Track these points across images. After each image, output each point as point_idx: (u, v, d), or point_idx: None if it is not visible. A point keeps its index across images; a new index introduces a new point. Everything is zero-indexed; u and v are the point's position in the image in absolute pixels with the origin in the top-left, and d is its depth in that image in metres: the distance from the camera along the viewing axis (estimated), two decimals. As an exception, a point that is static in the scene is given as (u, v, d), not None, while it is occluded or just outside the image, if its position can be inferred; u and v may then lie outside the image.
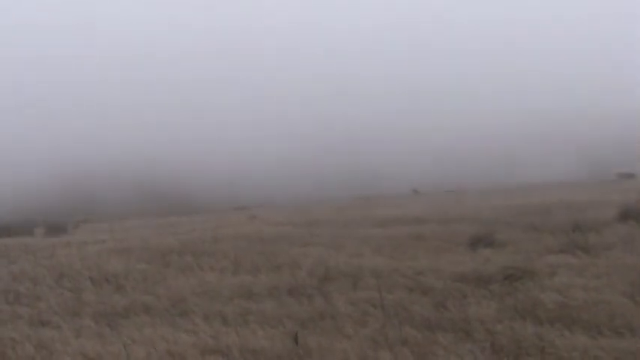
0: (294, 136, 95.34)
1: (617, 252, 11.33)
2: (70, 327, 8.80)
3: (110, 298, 10.57)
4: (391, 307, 8.44)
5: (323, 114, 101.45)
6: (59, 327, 8.86)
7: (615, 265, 10.21)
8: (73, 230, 29.95)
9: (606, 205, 18.57)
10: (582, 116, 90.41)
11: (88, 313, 9.60)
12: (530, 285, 9.21)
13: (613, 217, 15.69)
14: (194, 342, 7.60)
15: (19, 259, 15.30)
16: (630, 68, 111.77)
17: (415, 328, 7.55)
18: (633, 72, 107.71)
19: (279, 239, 16.38)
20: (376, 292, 8.82)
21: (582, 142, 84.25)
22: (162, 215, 44.11)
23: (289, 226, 21.17)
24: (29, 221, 34.17)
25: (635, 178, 45.24)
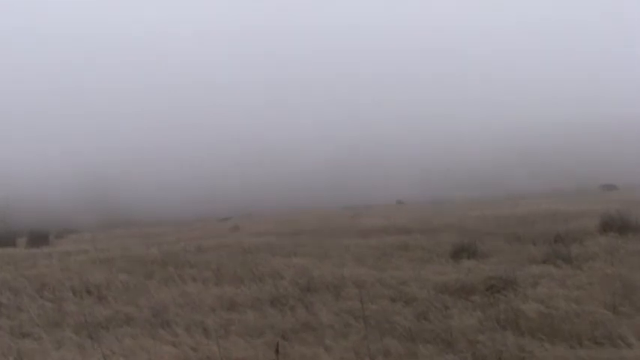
0: (277, 144, 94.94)
1: (599, 263, 11.39)
2: (50, 338, 8.73)
3: (91, 308, 10.50)
4: (373, 318, 8.45)
5: (308, 123, 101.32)
6: (40, 338, 8.79)
7: (597, 275, 10.27)
8: (55, 240, 29.73)
9: (589, 216, 18.67)
10: (572, 125, 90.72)
11: (69, 324, 9.53)
12: (512, 295, 9.25)
13: (595, 228, 15.79)
14: (175, 353, 7.56)
15: (0, 270, 15.16)
16: (630, 69, 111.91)
17: (396, 339, 7.56)
18: (633, 74, 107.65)
19: (262, 249, 16.34)
20: (358, 303, 8.83)
21: (569, 152, 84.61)
22: (141, 226, 43.90)
23: (272, 236, 21.12)
24: (11, 231, 33.89)
25: (617, 189, 45.65)
